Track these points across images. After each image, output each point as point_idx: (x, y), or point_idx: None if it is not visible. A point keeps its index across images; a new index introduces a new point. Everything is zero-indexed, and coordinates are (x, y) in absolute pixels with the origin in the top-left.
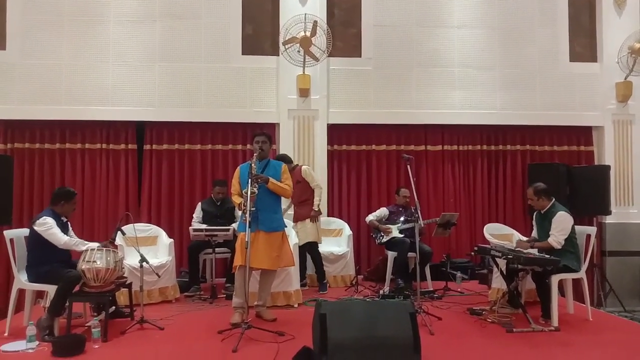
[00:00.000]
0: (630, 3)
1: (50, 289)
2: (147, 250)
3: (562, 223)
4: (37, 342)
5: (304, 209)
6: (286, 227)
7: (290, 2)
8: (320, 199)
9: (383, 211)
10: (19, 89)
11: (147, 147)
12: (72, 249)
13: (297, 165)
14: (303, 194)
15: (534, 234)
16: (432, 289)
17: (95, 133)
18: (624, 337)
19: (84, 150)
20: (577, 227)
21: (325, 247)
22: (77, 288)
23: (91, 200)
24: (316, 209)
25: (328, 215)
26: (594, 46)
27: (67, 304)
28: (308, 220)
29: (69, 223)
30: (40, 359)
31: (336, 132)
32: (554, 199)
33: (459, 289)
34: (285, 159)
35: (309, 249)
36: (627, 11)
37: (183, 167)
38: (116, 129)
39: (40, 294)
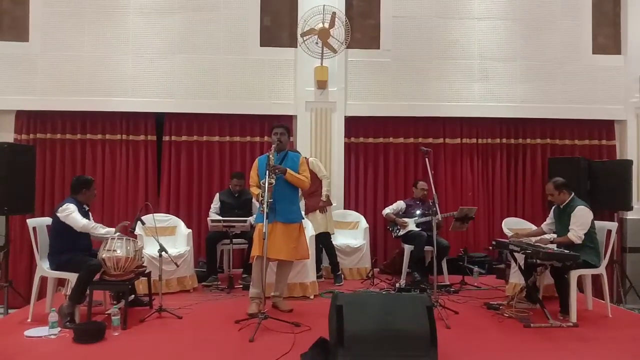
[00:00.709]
0: None
1: (72, 277)
2: (165, 240)
3: (581, 217)
4: (59, 329)
5: (313, 201)
6: (304, 218)
7: None
8: (329, 189)
9: (400, 204)
10: (41, 80)
11: (166, 138)
12: (90, 232)
13: (305, 157)
14: (311, 185)
15: (545, 227)
16: (448, 283)
17: (116, 124)
18: None
19: (105, 141)
20: (597, 223)
21: (342, 239)
22: (97, 276)
23: (111, 190)
24: (324, 199)
25: (344, 208)
26: (617, 38)
27: (87, 292)
28: (318, 212)
29: (90, 212)
30: (62, 344)
31: (354, 125)
32: (573, 194)
33: (475, 284)
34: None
35: (322, 240)
36: None
37: (201, 159)
38: (136, 120)
39: (61, 282)
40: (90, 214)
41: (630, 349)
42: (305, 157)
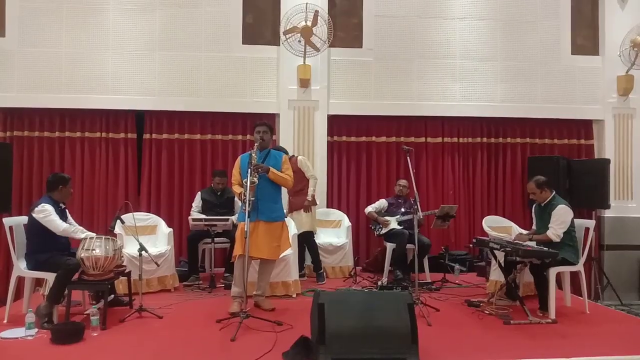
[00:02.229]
0: None
1: (50, 277)
2: (146, 239)
3: (562, 216)
4: (36, 330)
5: (299, 199)
6: (286, 217)
7: None
8: (314, 189)
9: (382, 203)
10: (18, 76)
11: (146, 136)
12: (70, 236)
13: (293, 155)
14: (298, 183)
15: (534, 226)
16: (430, 281)
17: (95, 121)
18: (620, 329)
19: (84, 138)
20: (575, 221)
21: (324, 238)
22: (76, 276)
23: (90, 188)
24: (309, 199)
25: (327, 207)
26: (596, 39)
27: (66, 291)
28: (302, 210)
29: (67, 210)
30: (39, 346)
31: (336, 123)
32: (554, 191)
33: (457, 281)
34: (282, 150)
35: (305, 239)
36: (630, 4)
37: (183, 157)
38: (116, 118)
39: (39, 282)
40: (67, 211)
41: (606, 343)
42: (294, 156)
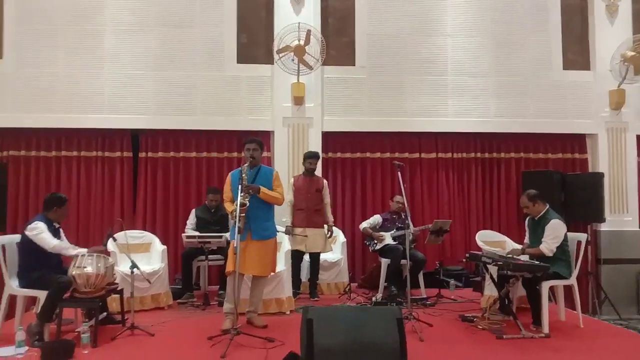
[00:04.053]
0: (621, 11)
1: (41, 295)
2: (140, 257)
3: (555, 231)
4: (26, 348)
5: (318, 217)
6: (278, 232)
7: (285, 11)
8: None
9: (376, 218)
10: (14, 97)
11: (142, 154)
12: (61, 253)
13: (320, 177)
14: (319, 203)
15: (527, 239)
16: (425, 296)
17: (91, 141)
18: (615, 344)
19: (80, 157)
20: (568, 234)
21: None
22: (68, 294)
23: (86, 207)
24: (329, 232)
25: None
26: (586, 54)
27: (57, 309)
28: (321, 230)
29: (61, 229)
30: None
31: (331, 140)
32: (548, 205)
33: (452, 296)
34: (313, 154)
35: (314, 258)
36: (619, 19)
37: (178, 175)
38: (112, 137)
39: (33, 302)
40: (61, 231)
41: (600, 357)
42: (322, 179)
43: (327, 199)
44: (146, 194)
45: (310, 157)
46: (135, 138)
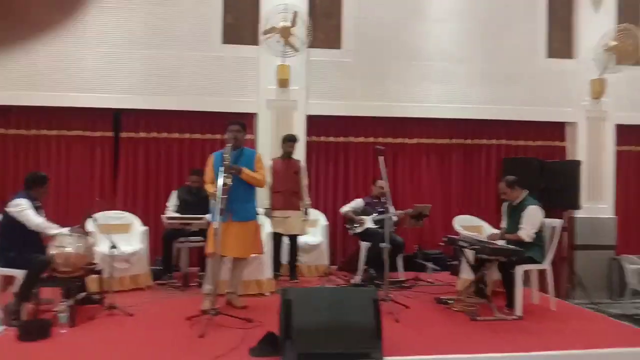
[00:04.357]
0: (606, 1)
1: (20, 274)
2: (120, 237)
3: (533, 217)
4: (3, 327)
5: (296, 199)
6: (258, 214)
7: None
8: (309, 203)
9: (358, 202)
10: None
11: (123, 135)
12: (43, 232)
13: (297, 159)
14: (297, 185)
15: (503, 224)
16: (403, 279)
17: (72, 120)
18: (584, 325)
19: (60, 137)
20: (544, 220)
21: (301, 237)
22: (47, 273)
23: (66, 187)
24: (306, 214)
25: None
26: (571, 42)
27: (35, 289)
28: (300, 213)
29: (42, 208)
30: (6, 343)
31: (315, 123)
32: (527, 191)
33: (429, 280)
34: (292, 137)
35: (292, 240)
36: (604, 9)
37: (160, 156)
38: (93, 116)
39: (11, 281)
40: (42, 210)
41: (569, 338)
42: (299, 161)
43: (305, 181)
44: (127, 174)
45: (290, 140)
46: (116, 118)
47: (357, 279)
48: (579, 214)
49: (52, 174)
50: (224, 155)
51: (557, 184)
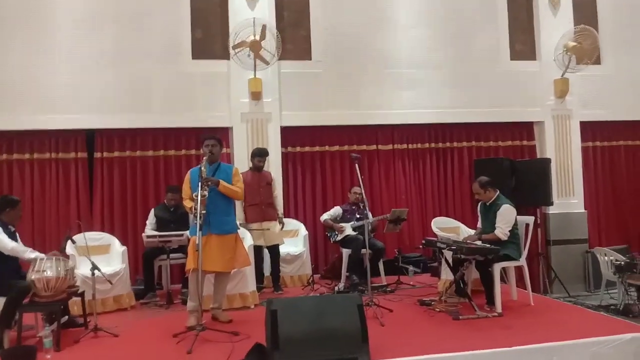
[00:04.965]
0: (563, 3)
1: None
2: (100, 258)
3: (507, 216)
4: None
5: (272, 210)
6: (239, 229)
7: (239, 6)
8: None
9: (337, 210)
10: None
11: (97, 155)
12: (19, 256)
13: (267, 171)
14: (271, 196)
15: (479, 224)
16: (385, 283)
17: (44, 142)
18: (563, 318)
19: (33, 161)
20: (517, 217)
21: (282, 247)
22: (27, 299)
23: (41, 210)
24: (281, 222)
25: (284, 217)
26: (532, 44)
27: (17, 315)
28: (277, 223)
29: (16, 233)
30: None
31: (290, 134)
32: (498, 191)
33: (411, 282)
34: (263, 152)
35: (274, 250)
36: (562, 11)
37: (135, 174)
38: (65, 138)
39: None
40: (17, 234)
41: (549, 331)
42: (269, 172)
43: (277, 191)
44: (103, 195)
45: (259, 154)
46: (90, 138)
47: (340, 285)
48: (551, 210)
49: (27, 198)
50: (201, 168)
51: (528, 182)
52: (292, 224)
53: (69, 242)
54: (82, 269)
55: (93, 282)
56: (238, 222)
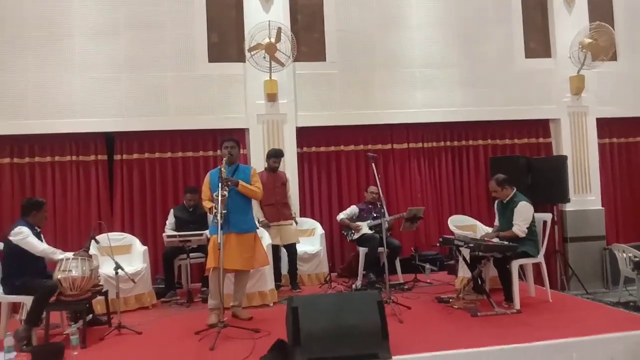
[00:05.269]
0: (578, 0)
1: (27, 300)
2: (121, 258)
3: (524, 213)
4: (15, 353)
5: (287, 210)
6: (258, 228)
7: (254, 10)
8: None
9: (353, 209)
10: None
11: (117, 157)
12: (48, 257)
13: (282, 171)
14: (285, 196)
15: (497, 222)
16: (402, 281)
17: (65, 146)
18: (581, 315)
19: (54, 163)
20: (535, 215)
21: (299, 246)
22: (54, 298)
23: (63, 212)
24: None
25: (300, 216)
26: (547, 42)
27: (44, 313)
28: (292, 222)
29: (41, 234)
30: None
31: (305, 135)
32: (515, 189)
33: (428, 280)
34: (278, 153)
35: (290, 249)
36: (577, 8)
37: (154, 176)
38: (85, 141)
39: (15, 309)
40: (42, 235)
41: (568, 327)
42: (284, 173)
43: (291, 191)
44: (123, 196)
45: (275, 155)
46: (109, 141)
47: (357, 283)
48: (568, 207)
49: (49, 200)
50: (221, 169)
51: (545, 180)
52: (308, 223)
53: (93, 242)
54: (105, 269)
55: (117, 281)
56: (258, 220)
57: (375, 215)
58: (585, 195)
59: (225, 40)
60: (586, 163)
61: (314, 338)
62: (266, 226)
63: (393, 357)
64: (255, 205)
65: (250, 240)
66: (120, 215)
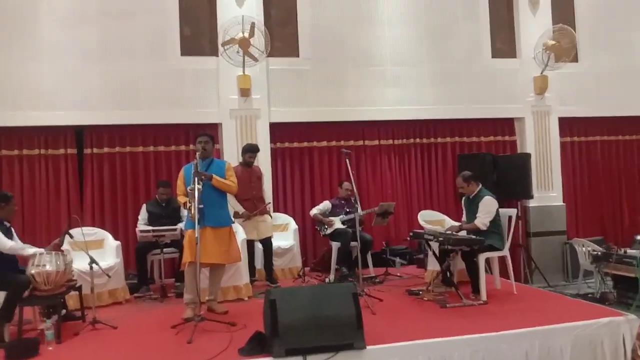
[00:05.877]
0: (542, 2)
1: None
2: (94, 253)
3: (487, 206)
4: None
5: (262, 204)
6: (233, 222)
7: (227, 3)
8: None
9: (326, 204)
10: None
11: (87, 151)
12: (18, 254)
13: (257, 166)
14: (260, 190)
15: (464, 217)
16: (374, 275)
17: (33, 139)
18: (544, 305)
19: (22, 156)
20: (500, 210)
21: (273, 241)
22: (27, 293)
23: (31, 207)
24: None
25: (274, 211)
26: (513, 42)
27: (16, 309)
28: (268, 216)
29: (12, 228)
30: None
31: (278, 130)
32: (480, 185)
33: (398, 274)
34: (254, 148)
35: (266, 243)
36: (541, 10)
37: (125, 170)
38: (54, 134)
39: None
40: (12, 229)
41: (533, 317)
42: (259, 167)
43: (265, 185)
44: (93, 191)
45: (250, 150)
46: (79, 134)
47: (330, 277)
48: (531, 203)
49: (17, 195)
50: (195, 164)
51: (510, 176)
52: (282, 218)
53: (67, 236)
54: (78, 264)
55: (92, 276)
56: (238, 213)
57: (347, 210)
58: (548, 192)
59: (198, 33)
60: (549, 161)
61: (292, 329)
62: (247, 217)
63: (367, 347)
64: (232, 199)
65: (226, 234)
66: (90, 210)
